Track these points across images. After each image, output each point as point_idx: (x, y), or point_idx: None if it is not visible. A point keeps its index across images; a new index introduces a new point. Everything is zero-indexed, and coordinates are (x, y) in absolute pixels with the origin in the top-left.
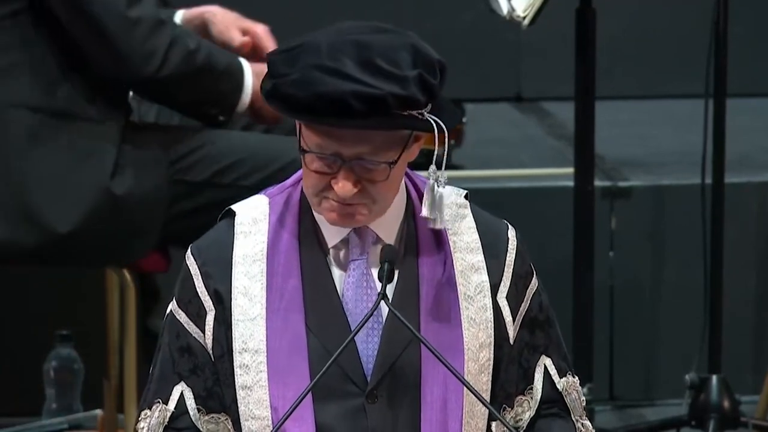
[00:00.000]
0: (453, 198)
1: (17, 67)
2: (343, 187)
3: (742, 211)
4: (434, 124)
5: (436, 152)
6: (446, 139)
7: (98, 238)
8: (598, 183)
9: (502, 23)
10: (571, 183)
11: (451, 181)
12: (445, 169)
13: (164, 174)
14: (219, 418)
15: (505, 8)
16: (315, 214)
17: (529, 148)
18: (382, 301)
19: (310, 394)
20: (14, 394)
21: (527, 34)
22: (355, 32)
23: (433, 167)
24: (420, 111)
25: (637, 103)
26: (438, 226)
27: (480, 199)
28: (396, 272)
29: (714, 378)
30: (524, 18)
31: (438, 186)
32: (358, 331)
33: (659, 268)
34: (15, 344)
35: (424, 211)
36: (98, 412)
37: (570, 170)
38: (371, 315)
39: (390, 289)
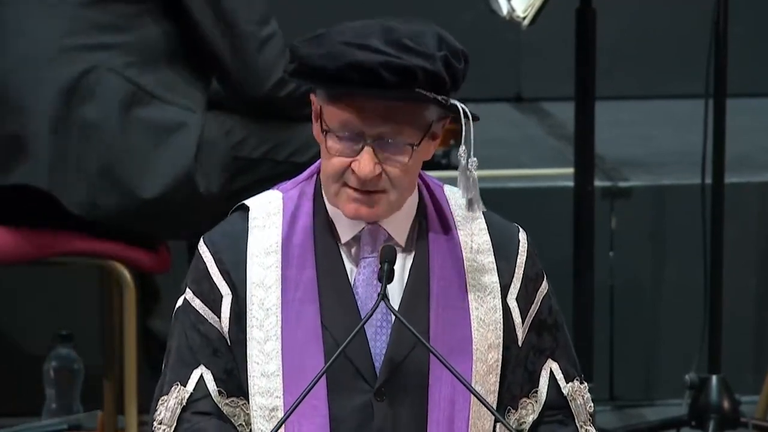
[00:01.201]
0: (465, 200)
1: (125, 46)
2: (365, 166)
3: (742, 211)
4: (460, 108)
5: (463, 136)
6: (471, 124)
7: (175, 210)
8: (598, 183)
9: (502, 23)
10: (571, 183)
11: (450, 182)
12: (445, 169)
13: (227, 153)
14: (237, 402)
15: (505, 8)
16: (329, 208)
17: (529, 148)
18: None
19: (324, 387)
20: (14, 394)
21: (527, 34)
22: (380, 20)
23: (462, 148)
24: (444, 97)
25: (637, 103)
26: (476, 210)
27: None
28: (407, 272)
29: (714, 378)
30: (524, 18)
31: (470, 168)
32: (359, 330)
33: (659, 268)
34: (15, 344)
35: (462, 193)
36: (98, 412)
37: (570, 170)
38: (372, 314)
39: (400, 288)
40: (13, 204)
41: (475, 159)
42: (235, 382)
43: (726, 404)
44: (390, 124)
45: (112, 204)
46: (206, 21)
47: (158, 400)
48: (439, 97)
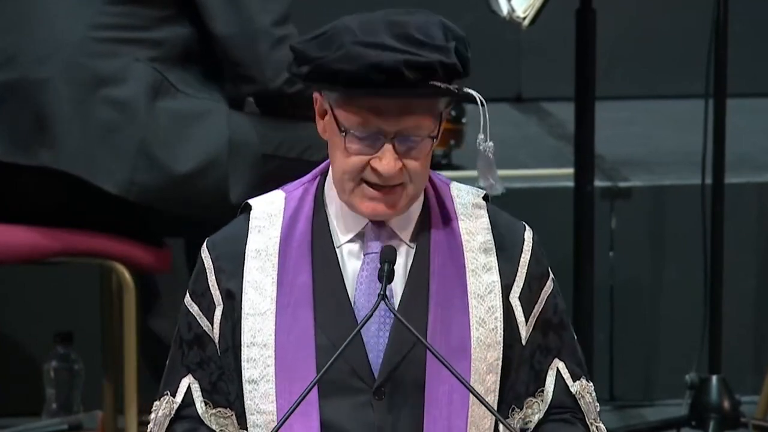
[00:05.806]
0: (470, 198)
1: (149, 42)
2: (388, 163)
3: (742, 211)
4: (476, 96)
5: (481, 122)
6: (485, 109)
7: (205, 192)
8: (598, 183)
9: (502, 23)
10: (571, 183)
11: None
12: (445, 169)
13: (257, 152)
14: (225, 413)
15: (505, 9)
16: (331, 208)
17: (529, 148)
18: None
19: (316, 390)
20: (14, 394)
21: (527, 34)
22: (381, 14)
23: (481, 135)
24: (455, 86)
25: (637, 103)
26: (496, 192)
27: None
28: (408, 269)
29: (714, 378)
30: (524, 19)
31: (488, 153)
32: (361, 328)
33: (659, 268)
34: (15, 344)
35: (481, 180)
36: (98, 412)
37: (570, 170)
38: (371, 315)
39: (401, 286)
40: (31, 191)
41: (491, 143)
42: (222, 393)
43: (726, 404)
44: (408, 119)
45: (149, 180)
46: (224, 17)
47: (154, 403)
48: (452, 87)
